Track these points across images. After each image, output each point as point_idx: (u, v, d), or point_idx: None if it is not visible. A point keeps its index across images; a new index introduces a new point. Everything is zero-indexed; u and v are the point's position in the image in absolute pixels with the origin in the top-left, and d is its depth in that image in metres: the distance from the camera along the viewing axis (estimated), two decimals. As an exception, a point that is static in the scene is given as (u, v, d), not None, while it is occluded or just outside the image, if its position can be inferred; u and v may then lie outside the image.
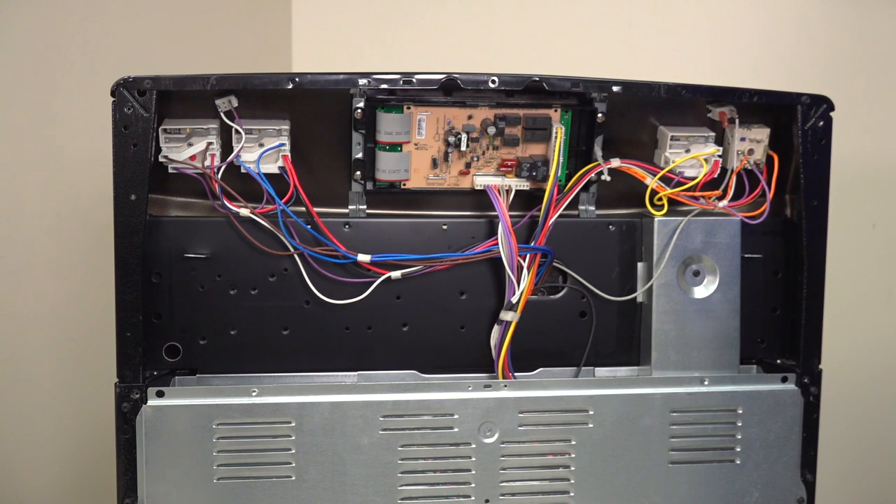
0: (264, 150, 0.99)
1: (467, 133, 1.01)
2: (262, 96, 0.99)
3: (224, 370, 1.03)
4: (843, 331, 1.55)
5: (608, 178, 1.03)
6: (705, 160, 1.03)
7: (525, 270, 1.03)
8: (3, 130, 1.31)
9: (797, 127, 1.03)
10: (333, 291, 1.02)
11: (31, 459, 1.42)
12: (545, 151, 1.03)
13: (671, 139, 1.04)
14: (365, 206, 1.05)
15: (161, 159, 0.97)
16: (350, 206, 1.05)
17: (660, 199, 1.04)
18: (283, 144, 0.99)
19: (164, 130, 0.97)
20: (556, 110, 1.02)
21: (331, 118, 1.01)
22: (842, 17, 1.60)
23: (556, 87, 0.99)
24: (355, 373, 1.05)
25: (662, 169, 1.03)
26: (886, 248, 1.64)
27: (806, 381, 1.06)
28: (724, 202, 1.05)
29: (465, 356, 1.06)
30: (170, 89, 0.94)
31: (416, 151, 1.02)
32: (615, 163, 1.02)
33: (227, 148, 1.00)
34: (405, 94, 0.99)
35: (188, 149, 0.98)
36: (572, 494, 1.02)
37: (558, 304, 1.07)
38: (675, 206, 1.05)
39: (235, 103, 0.98)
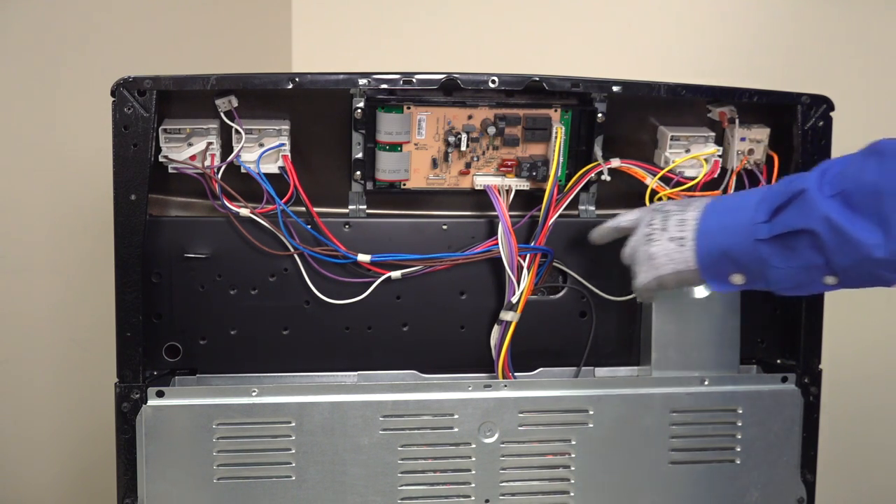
0: (264, 150, 0.99)
1: (467, 133, 1.01)
2: (262, 96, 0.99)
3: (224, 370, 1.03)
4: (843, 331, 1.55)
5: (608, 178, 1.03)
6: (705, 160, 1.03)
7: (525, 270, 1.03)
8: (3, 130, 1.31)
9: (797, 127, 1.03)
10: (333, 291, 1.02)
11: (31, 459, 1.42)
12: (545, 151, 1.03)
13: (671, 139, 1.04)
14: (365, 206, 1.05)
15: (161, 159, 0.97)
16: (350, 206, 1.05)
17: (660, 198, 1.04)
18: (283, 144, 0.99)
19: (164, 130, 0.97)
20: (556, 110, 1.02)
21: (331, 118, 1.01)
22: (842, 17, 1.60)
23: (556, 87, 0.99)
24: (355, 373, 1.05)
25: (662, 169, 1.03)
26: (886, 248, 1.64)
27: (806, 381, 1.06)
28: (724, 202, 1.05)
29: (465, 356, 1.06)
30: (170, 89, 0.94)
31: (416, 151, 1.02)
32: (615, 163, 1.03)
33: (227, 148, 1.00)
34: (405, 94, 0.99)
35: (188, 149, 0.98)
36: (572, 494, 1.02)
37: (558, 304, 1.07)
38: (675, 206, 1.05)
39: (235, 103, 0.98)
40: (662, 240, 0.90)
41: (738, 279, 0.87)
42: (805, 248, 0.81)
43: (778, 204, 0.83)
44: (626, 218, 0.98)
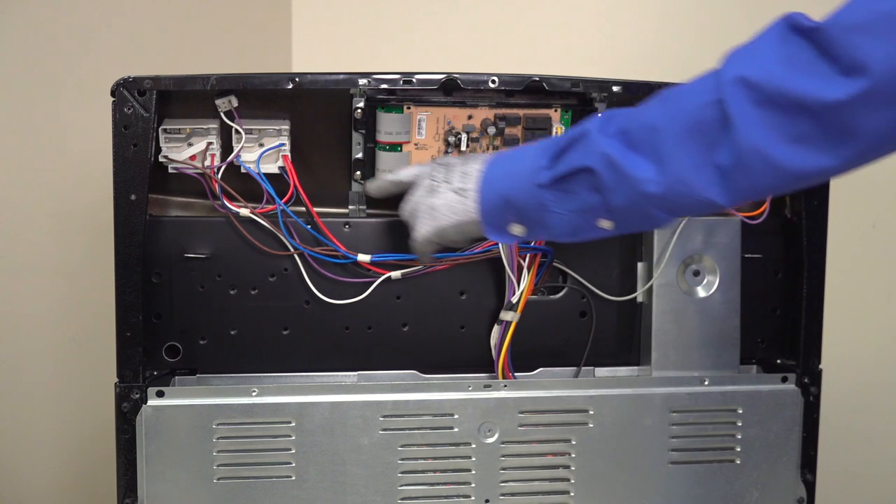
0: (264, 150, 0.99)
1: (467, 133, 1.01)
2: (262, 96, 0.99)
3: (224, 370, 1.03)
4: (843, 331, 1.55)
5: (608, 178, 1.03)
6: (705, 160, 1.03)
7: (525, 270, 1.03)
8: (3, 130, 1.31)
9: (797, 127, 1.03)
10: (333, 291, 1.02)
11: (31, 459, 1.42)
12: (545, 151, 1.03)
13: (671, 139, 1.03)
14: (365, 206, 1.05)
15: (161, 159, 0.97)
16: (350, 206, 1.05)
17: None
18: (283, 144, 0.99)
19: (164, 130, 0.97)
20: (556, 110, 1.02)
21: (331, 118, 1.01)
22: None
23: (556, 87, 0.99)
24: (355, 373, 1.05)
25: (662, 169, 1.02)
26: (886, 248, 1.64)
27: (806, 381, 1.06)
28: (724, 202, 1.05)
29: (465, 356, 1.06)
30: (170, 89, 0.94)
31: (416, 151, 1.02)
32: (615, 163, 1.02)
33: (227, 148, 1.00)
34: (405, 94, 0.99)
35: (188, 149, 0.98)
36: (572, 494, 1.02)
37: (558, 304, 1.07)
38: (675, 206, 1.05)
39: (235, 103, 0.98)
40: (445, 191, 0.88)
41: (517, 229, 0.85)
42: (582, 189, 0.80)
43: (560, 148, 0.82)
44: (407, 172, 0.95)
